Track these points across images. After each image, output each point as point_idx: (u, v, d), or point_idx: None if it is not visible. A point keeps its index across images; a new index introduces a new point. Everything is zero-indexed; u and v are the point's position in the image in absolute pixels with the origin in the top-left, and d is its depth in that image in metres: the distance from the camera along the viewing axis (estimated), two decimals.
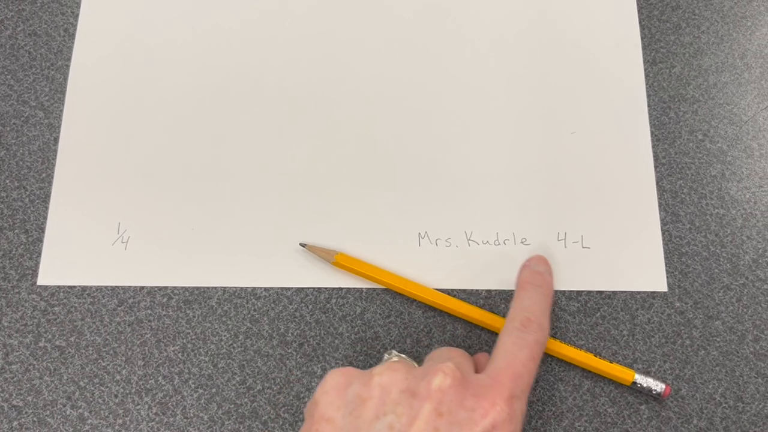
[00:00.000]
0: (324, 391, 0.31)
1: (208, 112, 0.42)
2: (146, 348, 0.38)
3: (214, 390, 0.37)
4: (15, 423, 0.36)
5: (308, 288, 0.39)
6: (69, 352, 0.38)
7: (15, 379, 0.37)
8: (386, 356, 0.34)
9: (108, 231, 0.40)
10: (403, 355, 0.34)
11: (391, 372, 0.30)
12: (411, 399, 0.29)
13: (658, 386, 0.36)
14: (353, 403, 0.29)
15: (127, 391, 0.37)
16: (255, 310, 0.38)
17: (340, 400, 0.30)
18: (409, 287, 0.38)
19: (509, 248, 0.39)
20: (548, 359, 0.37)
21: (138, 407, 0.37)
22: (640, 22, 0.43)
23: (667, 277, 0.39)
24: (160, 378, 0.37)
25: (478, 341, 0.38)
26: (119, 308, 0.39)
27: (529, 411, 0.36)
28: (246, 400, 0.37)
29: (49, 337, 0.38)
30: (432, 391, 0.29)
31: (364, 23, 0.44)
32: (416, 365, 0.32)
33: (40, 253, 0.40)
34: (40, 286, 0.39)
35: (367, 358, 0.37)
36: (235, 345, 0.38)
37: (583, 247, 0.39)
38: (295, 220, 0.40)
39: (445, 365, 0.30)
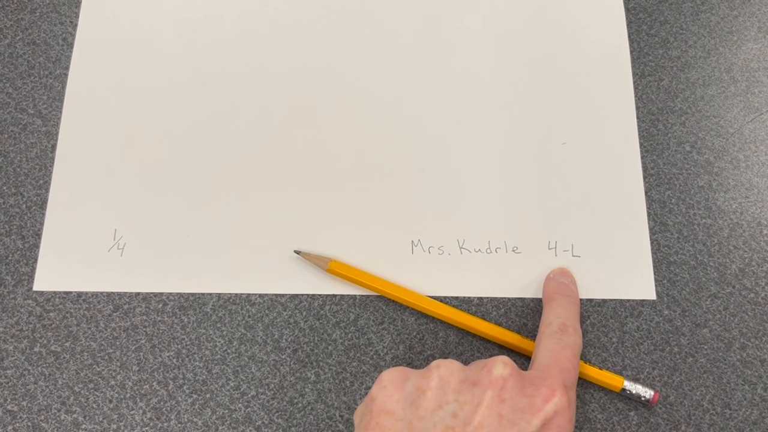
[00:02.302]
0: (381, 386, 0.31)
1: (204, 121, 0.43)
2: (141, 353, 0.38)
3: (208, 395, 0.37)
4: (9, 428, 0.37)
5: (302, 295, 0.39)
6: (64, 358, 0.38)
7: (10, 384, 0.37)
8: None
9: (104, 237, 0.40)
10: None
11: (449, 364, 0.31)
12: (472, 387, 0.30)
13: (646, 393, 0.36)
14: (413, 395, 0.30)
15: (122, 396, 0.37)
16: (249, 316, 0.39)
17: (398, 393, 0.30)
18: (402, 294, 0.38)
19: (501, 256, 0.40)
20: None
21: (132, 412, 0.37)
22: (629, 37, 0.44)
23: (656, 286, 0.39)
24: (154, 383, 0.37)
25: (470, 348, 0.38)
26: (114, 314, 0.39)
27: None
28: (240, 405, 0.37)
29: (45, 342, 0.38)
30: (493, 378, 0.30)
31: (357, 34, 0.44)
32: None
33: (36, 259, 0.40)
34: (36, 291, 0.39)
35: (360, 364, 0.38)
36: (229, 351, 0.38)
37: (573, 256, 0.40)
38: (290, 227, 0.40)
39: (501, 357, 0.31)
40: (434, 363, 0.31)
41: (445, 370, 0.30)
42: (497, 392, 0.29)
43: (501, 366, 0.30)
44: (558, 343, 0.33)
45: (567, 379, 0.31)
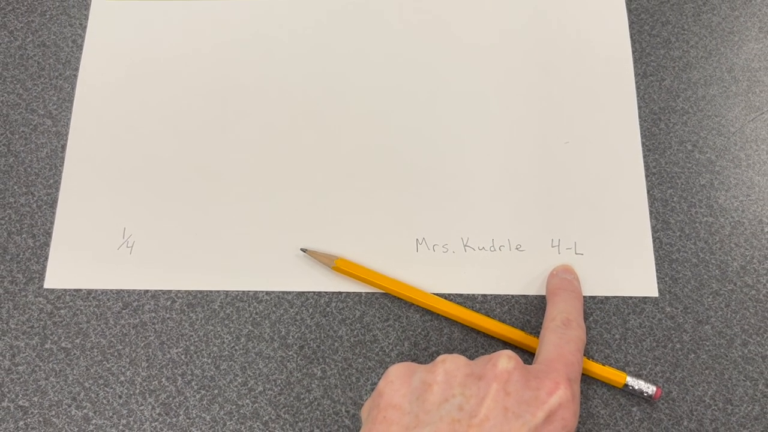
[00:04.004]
0: (389, 381, 0.31)
1: (211, 121, 0.43)
2: (150, 350, 0.39)
3: (216, 391, 0.38)
4: (21, 423, 0.37)
5: (309, 292, 0.40)
6: (74, 354, 0.39)
7: (21, 379, 0.38)
8: None
9: (113, 236, 0.41)
10: None
11: (454, 359, 0.31)
12: (477, 381, 0.30)
13: (649, 389, 0.37)
14: (419, 389, 0.30)
15: (131, 392, 0.38)
16: (256, 313, 0.39)
17: (405, 388, 0.31)
18: (407, 291, 0.39)
19: (504, 254, 0.40)
20: None
21: (142, 408, 0.38)
22: (631, 37, 0.45)
23: (658, 283, 0.40)
24: (163, 379, 0.38)
25: (474, 344, 0.39)
26: (124, 311, 0.39)
27: None
28: (247, 401, 0.38)
29: (55, 339, 0.39)
30: (498, 372, 0.30)
31: (362, 35, 0.45)
32: None
33: (47, 257, 0.40)
34: (47, 289, 0.40)
35: (366, 360, 0.38)
36: (236, 347, 0.39)
37: (576, 254, 0.40)
38: (297, 225, 0.41)
39: (506, 351, 0.31)
40: (440, 358, 0.32)
41: (450, 364, 0.31)
42: (502, 385, 0.30)
43: (506, 360, 0.31)
44: (562, 338, 0.34)
45: (571, 373, 0.32)
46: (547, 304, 0.37)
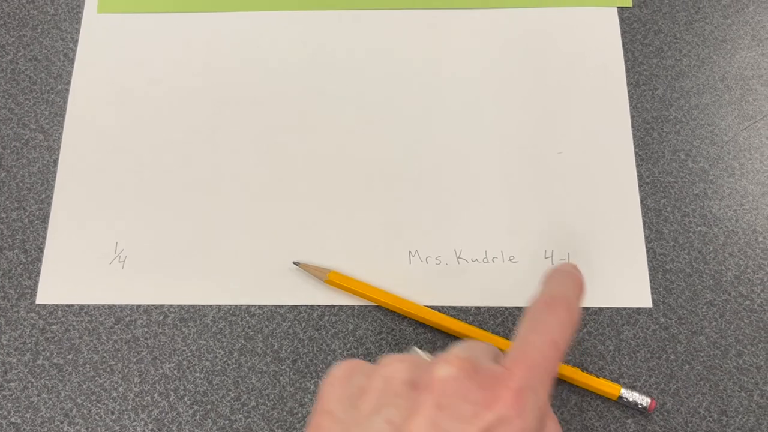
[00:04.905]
0: (329, 383, 0.28)
1: (203, 135, 0.43)
2: (142, 365, 0.39)
3: (209, 406, 0.38)
4: None
5: (301, 305, 0.40)
6: (67, 370, 0.38)
7: (13, 396, 0.38)
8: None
9: (105, 250, 0.41)
10: (422, 352, 0.30)
11: (397, 363, 0.27)
12: (412, 391, 0.26)
13: (643, 400, 0.36)
14: (354, 395, 0.27)
15: (124, 408, 0.38)
16: (249, 327, 0.39)
17: (342, 392, 0.27)
18: (400, 304, 0.39)
19: (498, 266, 0.40)
20: None
21: (134, 424, 0.37)
22: (623, 46, 0.45)
23: (652, 294, 0.39)
24: (156, 395, 0.38)
25: None
26: (116, 326, 0.39)
27: None
28: (240, 416, 0.37)
29: (47, 354, 0.39)
30: (434, 381, 0.25)
31: (354, 48, 0.45)
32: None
33: (38, 273, 0.40)
34: (39, 304, 0.40)
35: None
36: (229, 362, 0.39)
37: None
38: (289, 239, 0.41)
39: (452, 354, 0.26)
40: (384, 360, 0.27)
41: (391, 369, 0.27)
42: (436, 398, 0.25)
43: (445, 367, 0.25)
44: (535, 328, 0.28)
45: (530, 378, 0.26)
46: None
